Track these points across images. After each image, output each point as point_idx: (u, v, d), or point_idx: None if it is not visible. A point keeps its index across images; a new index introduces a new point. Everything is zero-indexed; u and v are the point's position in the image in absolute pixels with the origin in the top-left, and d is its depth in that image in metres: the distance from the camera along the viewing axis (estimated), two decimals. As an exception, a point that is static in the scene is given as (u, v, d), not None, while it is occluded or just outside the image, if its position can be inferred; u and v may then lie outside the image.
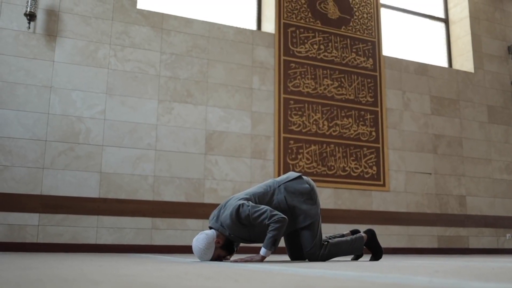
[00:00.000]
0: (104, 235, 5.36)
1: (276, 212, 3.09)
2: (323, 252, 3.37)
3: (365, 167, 6.79)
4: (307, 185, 3.44)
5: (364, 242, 3.59)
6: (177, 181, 5.78)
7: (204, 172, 5.92)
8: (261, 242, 3.15)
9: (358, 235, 3.61)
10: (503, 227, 7.64)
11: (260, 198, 3.28)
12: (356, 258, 3.68)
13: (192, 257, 4.03)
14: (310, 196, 3.42)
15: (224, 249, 3.18)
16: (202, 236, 3.10)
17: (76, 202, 5.30)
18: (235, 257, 3.37)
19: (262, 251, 3.05)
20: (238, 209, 3.07)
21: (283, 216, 3.08)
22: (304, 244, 3.37)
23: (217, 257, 3.15)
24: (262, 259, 3.06)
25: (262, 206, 3.11)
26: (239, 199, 3.17)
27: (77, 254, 4.60)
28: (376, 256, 3.61)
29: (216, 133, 6.06)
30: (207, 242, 3.07)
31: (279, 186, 3.38)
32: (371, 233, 3.62)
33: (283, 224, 3.06)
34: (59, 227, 5.20)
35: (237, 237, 3.17)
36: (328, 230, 6.39)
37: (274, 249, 3.06)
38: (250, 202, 3.14)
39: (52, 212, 5.20)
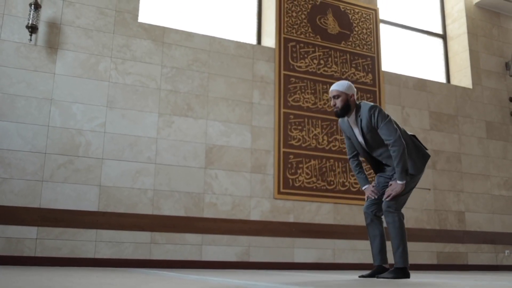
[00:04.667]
0: (102, 249, 5.31)
1: (398, 134, 3.44)
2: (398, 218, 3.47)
3: (365, 182, 6.77)
4: (428, 153, 3.70)
5: (394, 268, 3.49)
6: (177, 195, 5.74)
7: (204, 186, 5.89)
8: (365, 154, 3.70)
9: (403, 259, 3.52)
10: (502, 243, 7.63)
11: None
12: (369, 275, 3.60)
13: (196, 273, 3.98)
14: (425, 159, 3.64)
15: (343, 103, 3.58)
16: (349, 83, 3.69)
17: (75, 215, 5.25)
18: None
19: (399, 182, 3.44)
20: (371, 106, 3.50)
21: (402, 141, 3.43)
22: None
23: (335, 100, 3.59)
24: (402, 187, 3.44)
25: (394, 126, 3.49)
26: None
27: (76, 268, 4.54)
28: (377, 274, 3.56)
29: (216, 147, 6.04)
30: (352, 85, 3.64)
31: (405, 131, 3.67)
32: (396, 272, 3.47)
33: (403, 152, 3.41)
34: (57, 240, 5.14)
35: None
36: (327, 245, 6.37)
37: (407, 178, 3.45)
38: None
39: (51, 226, 5.14)
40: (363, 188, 3.79)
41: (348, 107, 3.59)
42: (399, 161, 3.42)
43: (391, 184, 3.51)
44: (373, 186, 3.73)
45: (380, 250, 3.66)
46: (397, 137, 3.44)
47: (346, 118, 3.68)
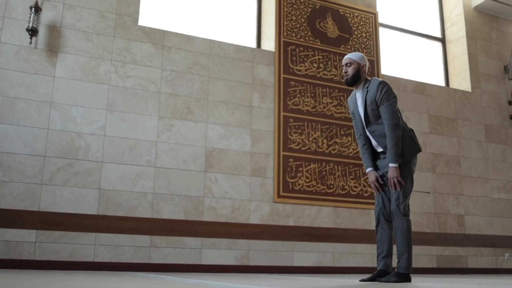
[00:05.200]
0: (102, 253, 5.29)
1: (399, 119, 3.51)
2: (407, 224, 3.48)
3: (364, 186, 6.78)
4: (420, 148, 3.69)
5: (396, 272, 3.49)
6: (176, 198, 5.73)
7: (204, 189, 5.88)
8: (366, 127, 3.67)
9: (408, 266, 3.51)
10: (501, 246, 7.63)
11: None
12: (369, 279, 3.58)
13: (196, 277, 3.98)
14: (415, 152, 3.62)
15: (354, 71, 3.65)
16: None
17: (74, 218, 5.24)
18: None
19: (391, 165, 3.47)
20: (381, 81, 3.57)
21: (400, 127, 3.49)
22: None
23: (347, 68, 3.68)
24: (397, 170, 3.46)
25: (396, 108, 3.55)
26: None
27: (75, 272, 4.53)
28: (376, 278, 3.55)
29: (216, 151, 6.04)
30: (365, 57, 3.74)
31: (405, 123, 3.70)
32: (398, 276, 3.50)
33: (399, 137, 3.47)
34: (56, 244, 5.13)
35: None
36: (327, 249, 6.37)
37: (400, 160, 3.49)
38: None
39: (50, 229, 5.13)
40: (367, 170, 3.73)
41: (358, 76, 3.67)
42: (394, 145, 3.47)
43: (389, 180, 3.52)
44: (377, 181, 3.65)
45: (385, 255, 3.64)
46: (397, 121, 3.50)
47: (354, 91, 3.75)
